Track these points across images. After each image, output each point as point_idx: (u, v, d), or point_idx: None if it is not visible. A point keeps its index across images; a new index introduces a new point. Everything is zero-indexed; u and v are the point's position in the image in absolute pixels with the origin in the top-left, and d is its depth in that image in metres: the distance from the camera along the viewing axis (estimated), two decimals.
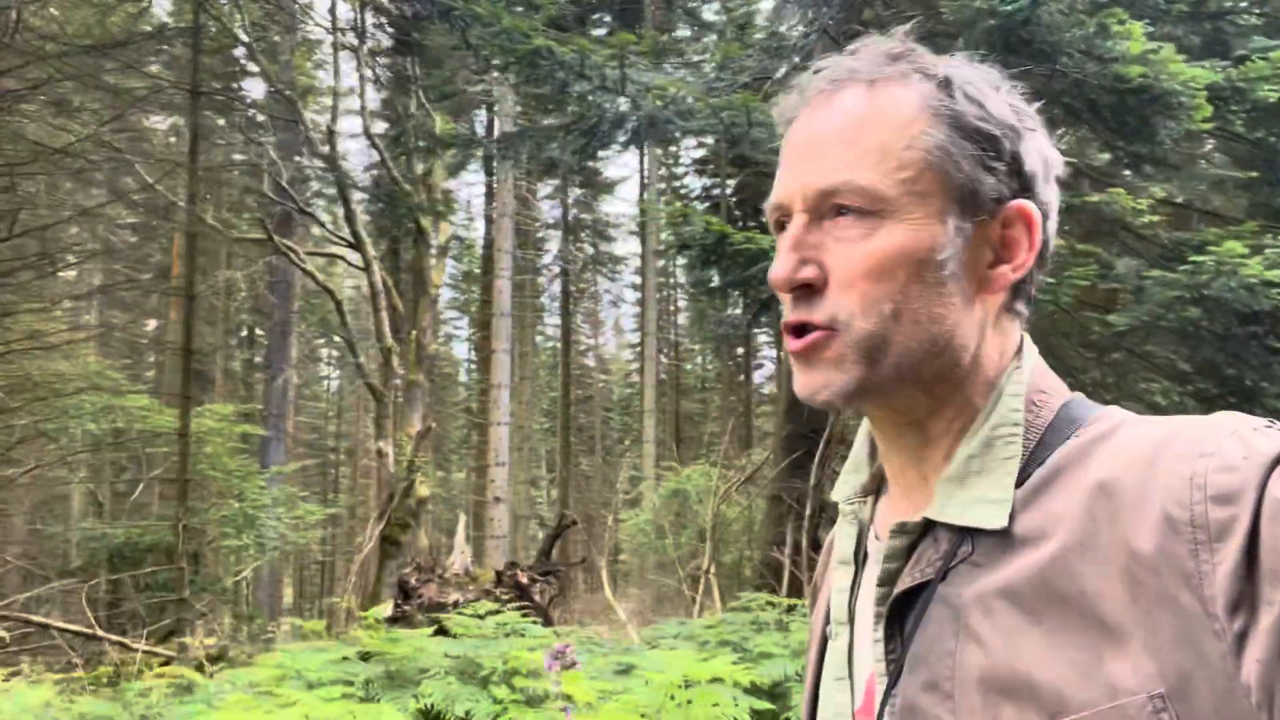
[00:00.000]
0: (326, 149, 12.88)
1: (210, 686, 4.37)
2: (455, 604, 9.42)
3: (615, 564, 12.61)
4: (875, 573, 0.73)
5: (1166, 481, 0.59)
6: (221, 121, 13.71)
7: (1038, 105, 0.76)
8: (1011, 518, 0.66)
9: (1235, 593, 0.55)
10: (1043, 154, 0.73)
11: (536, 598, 9.42)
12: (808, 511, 7.61)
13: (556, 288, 25.82)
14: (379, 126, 14.73)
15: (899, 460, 0.76)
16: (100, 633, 8.75)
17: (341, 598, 11.39)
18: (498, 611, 8.93)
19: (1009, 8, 5.21)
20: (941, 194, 0.69)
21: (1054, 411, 0.71)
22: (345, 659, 4.92)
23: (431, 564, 9.47)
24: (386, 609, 9.81)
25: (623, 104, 6.14)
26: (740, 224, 23.81)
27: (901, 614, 0.70)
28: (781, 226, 0.74)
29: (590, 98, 5.91)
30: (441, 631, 6.56)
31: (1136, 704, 0.57)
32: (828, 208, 0.70)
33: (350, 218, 13.14)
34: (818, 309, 0.70)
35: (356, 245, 13.40)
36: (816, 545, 7.71)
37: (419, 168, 14.08)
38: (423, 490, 13.64)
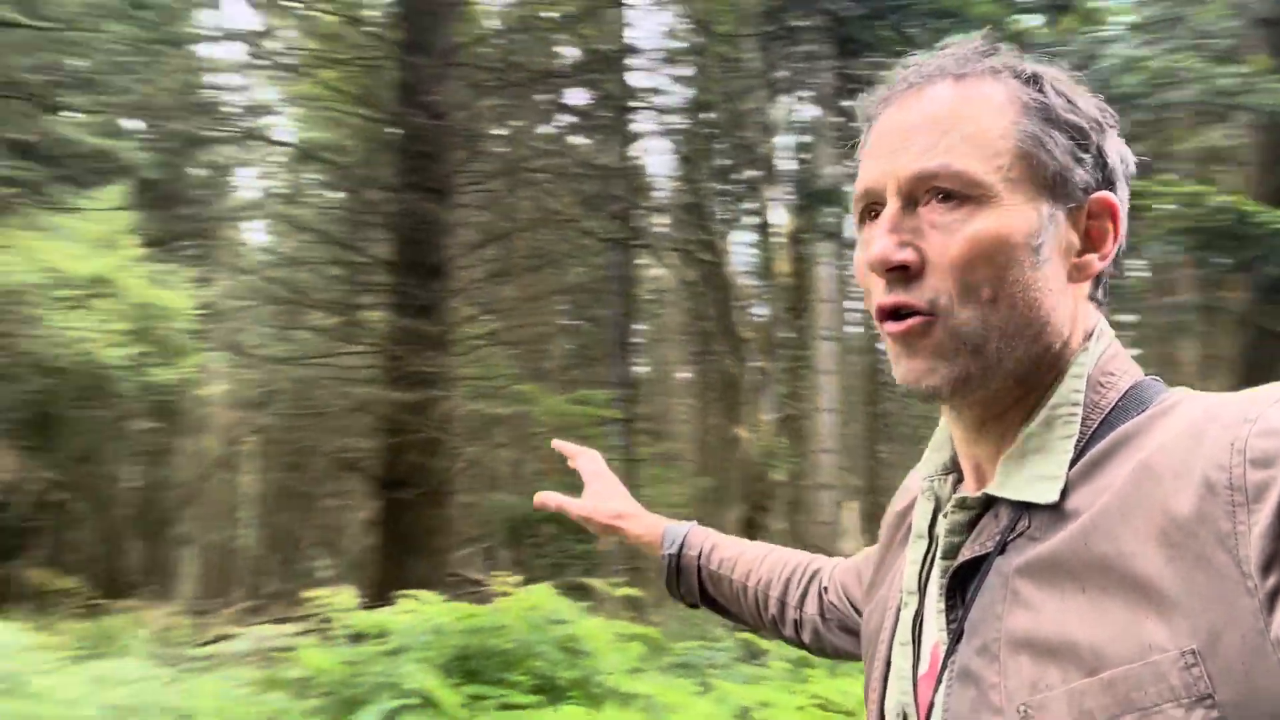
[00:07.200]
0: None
1: None
2: None
3: None
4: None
5: (1210, 449, 0.60)
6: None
7: None
8: (1065, 493, 0.67)
9: (1269, 551, 0.55)
10: (1120, 153, 0.74)
11: None
12: None
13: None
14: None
15: (976, 448, 0.76)
16: None
17: None
18: None
19: None
20: (1035, 181, 0.70)
21: (1121, 392, 0.71)
22: None
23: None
24: None
25: None
26: None
27: (963, 585, 0.72)
28: (869, 214, 0.76)
29: None
30: None
31: (1169, 659, 0.57)
32: (923, 192, 0.71)
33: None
34: (915, 292, 0.70)
35: (709, 240, 14.01)
36: None
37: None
38: (777, 475, 14.12)
